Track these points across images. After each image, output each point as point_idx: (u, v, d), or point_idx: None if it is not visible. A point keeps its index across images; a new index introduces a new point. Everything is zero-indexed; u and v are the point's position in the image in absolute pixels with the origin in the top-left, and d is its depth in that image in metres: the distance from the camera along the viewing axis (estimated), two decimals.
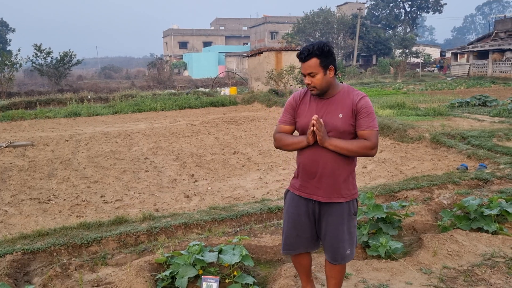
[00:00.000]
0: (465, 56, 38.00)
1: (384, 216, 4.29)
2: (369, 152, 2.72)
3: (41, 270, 4.24)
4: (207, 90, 26.66)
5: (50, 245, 4.53)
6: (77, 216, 5.64)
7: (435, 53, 55.35)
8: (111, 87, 34.63)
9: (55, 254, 4.47)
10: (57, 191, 6.84)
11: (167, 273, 3.72)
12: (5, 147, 10.77)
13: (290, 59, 21.73)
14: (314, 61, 2.65)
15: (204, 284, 3.46)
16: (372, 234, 4.45)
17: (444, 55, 52.71)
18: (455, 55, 39.83)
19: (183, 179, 7.36)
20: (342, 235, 2.84)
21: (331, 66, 2.70)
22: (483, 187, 6.36)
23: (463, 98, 16.65)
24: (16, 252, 4.37)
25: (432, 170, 7.35)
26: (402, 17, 59.70)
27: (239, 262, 3.79)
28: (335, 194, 2.81)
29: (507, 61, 31.92)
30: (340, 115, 2.73)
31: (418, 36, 61.82)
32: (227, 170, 7.90)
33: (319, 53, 2.64)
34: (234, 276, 3.72)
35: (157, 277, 3.74)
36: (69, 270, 4.04)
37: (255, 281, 3.75)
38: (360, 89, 21.21)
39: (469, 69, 35.62)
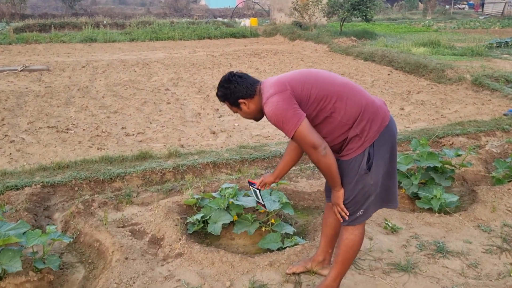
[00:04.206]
0: None
1: (438, 165, 3.85)
2: (317, 161, 2.29)
3: (62, 205, 3.96)
4: (226, 20, 25.49)
5: (71, 178, 4.22)
6: (98, 148, 5.30)
7: None
8: (126, 13, 33.37)
9: (76, 188, 4.18)
10: (76, 120, 6.49)
11: (198, 217, 3.41)
12: (20, 71, 10.35)
13: None
14: (227, 104, 2.51)
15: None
16: (421, 184, 4.04)
17: None
18: None
19: (208, 114, 6.93)
20: (351, 193, 2.42)
21: (240, 100, 2.43)
22: None
23: (502, 38, 15.54)
24: (35, 184, 4.08)
25: (477, 115, 6.79)
26: None
27: (279, 209, 3.44)
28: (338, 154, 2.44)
29: None
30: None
31: None
32: None
33: (223, 98, 2.48)
34: (272, 224, 3.38)
35: (188, 221, 3.43)
36: (92, 208, 3.74)
37: (295, 230, 3.41)
38: (387, 25, 19.86)
39: (504, 8, 33.41)
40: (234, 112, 2.52)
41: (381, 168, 2.40)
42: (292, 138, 2.28)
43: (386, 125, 2.37)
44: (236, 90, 2.40)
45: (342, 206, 2.42)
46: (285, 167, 2.73)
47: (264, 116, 2.46)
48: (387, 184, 2.47)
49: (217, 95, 2.50)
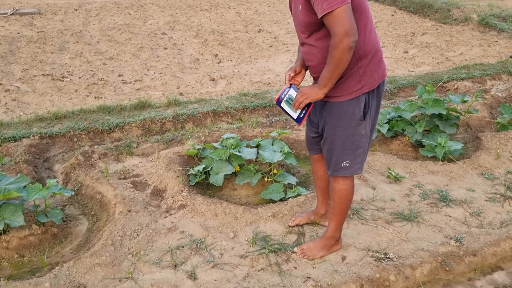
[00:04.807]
0: None
1: (444, 112, 3.76)
2: (340, 50, 2.00)
3: (62, 157, 3.92)
4: None
5: (69, 129, 4.15)
6: (95, 97, 5.19)
7: None
8: None
9: (75, 139, 4.12)
10: (71, 67, 6.31)
11: (200, 168, 3.37)
12: (10, 15, 9.97)
13: None
14: None
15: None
16: (425, 131, 3.97)
17: None
18: None
19: (206, 59, 6.74)
20: (340, 142, 2.31)
21: None
22: None
23: None
24: (33, 135, 4.01)
25: (483, 58, 6.61)
26: None
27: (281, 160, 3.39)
28: (330, 92, 2.23)
29: None
30: (299, 7, 2.14)
31: None
32: (253, 50, 7.21)
33: None
34: (274, 174, 3.36)
35: (189, 172, 3.40)
36: (92, 159, 3.70)
37: (297, 181, 3.39)
38: None
39: None
40: None
41: (371, 121, 2.33)
42: (325, 15, 1.98)
43: (384, 78, 2.28)
44: None
45: (305, 102, 2.23)
46: (302, 58, 2.42)
47: None
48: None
49: None
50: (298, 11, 2.16)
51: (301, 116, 2.34)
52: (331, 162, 2.38)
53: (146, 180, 3.40)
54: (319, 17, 2.02)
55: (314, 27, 2.13)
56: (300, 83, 2.43)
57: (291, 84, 2.39)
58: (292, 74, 2.40)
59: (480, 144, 3.92)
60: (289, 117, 2.44)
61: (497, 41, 7.52)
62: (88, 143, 4.08)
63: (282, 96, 2.36)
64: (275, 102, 2.44)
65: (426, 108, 3.81)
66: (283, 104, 2.36)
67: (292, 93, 2.34)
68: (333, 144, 2.33)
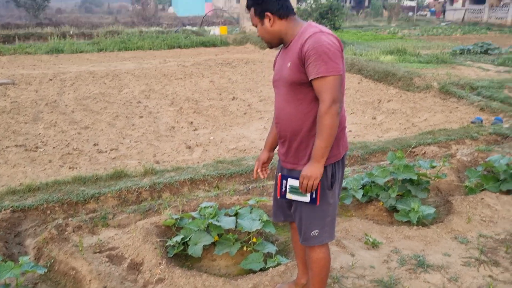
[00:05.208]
0: (460, 0, 36.86)
1: (415, 178, 3.91)
2: (329, 115, 2.10)
3: (34, 230, 3.80)
4: (195, 28, 25.41)
5: (42, 201, 4.07)
6: (69, 168, 5.14)
7: None
8: (93, 22, 32.78)
9: (48, 212, 4.02)
10: (45, 138, 6.28)
11: (178, 239, 3.33)
12: None
13: None
14: (252, 11, 2.27)
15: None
16: (398, 196, 4.09)
17: None
18: None
19: (182, 127, 6.84)
20: (307, 212, 2.35)
21: (267, 12, 2.23)
22: (503, 143, 6.03)
23: (464, 45, 16.09)
24: (5, 209, 3.91)
25: (446, 123, 6.97)
26: None
27: (260, 228, 3.40)
28: (297, 160, 2.33)
29: (505, 6, 31.05)
30: (288, 64, 2.22)
31: None
32: (228, 118, 7.38)
33: (252, 1, 2.25)
34: (254, 243, 3.35)
35: (167, 243, 3.35)
36: (66, 232, 3.60)
37: (277, 249, 3.39)
38: (354, 33, 20.04)
39: (464, 15, 34.67)
40: (253, 25, 2.30)
41: (338, 191, 2.41)
42: (317, 78, 2.09)
43: (347, 150, 2.39)
44: (270, 0, 2.22)
45: (316, 183, 2.19)
46: (275, 137, 2.58)
47: (282, 44, 2.32)
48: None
49: None
50: (286, 67, 2.24)
51: (314, 196, 2.28)
52: (301, 230, 2.42)
53: (122, 253, 3.32)
54: (310, 78, 2.12)
55: (297, 86, 2.21)
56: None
57: (282, 175, 2.36)
58: (259, 170, 2.63)
59: (451, 208, 4.04)
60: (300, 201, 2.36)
61: (457, 107, 7.97)
62: (62, 215, 3.99)
63: (283, 189, 2.34)
64: (278, 197, 2.44)
65: (397, 173, 3.95)
66: (290, 196, 2.34)
67: (292, 182, 2.31)
68: (301, 213, 2.38)
